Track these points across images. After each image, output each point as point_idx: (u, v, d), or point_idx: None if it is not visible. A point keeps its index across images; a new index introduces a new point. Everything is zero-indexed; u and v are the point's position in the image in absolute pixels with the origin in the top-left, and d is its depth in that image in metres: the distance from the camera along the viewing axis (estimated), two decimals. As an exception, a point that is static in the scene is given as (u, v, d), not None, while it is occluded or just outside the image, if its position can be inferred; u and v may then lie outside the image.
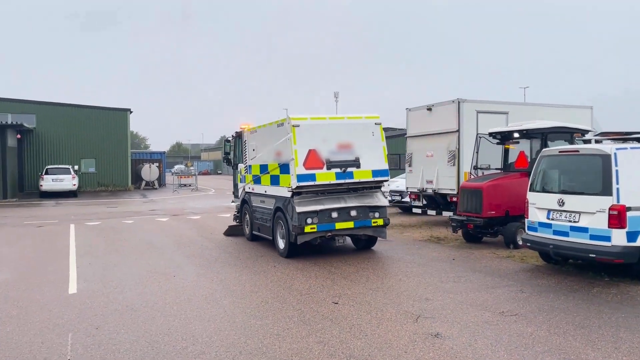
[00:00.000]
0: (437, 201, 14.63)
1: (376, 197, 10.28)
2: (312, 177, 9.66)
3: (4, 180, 27.40)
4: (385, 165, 10.32)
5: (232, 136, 13.80)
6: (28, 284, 8.37)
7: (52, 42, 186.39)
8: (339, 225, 9.81)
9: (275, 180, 10.50)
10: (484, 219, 10.63)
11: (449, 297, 7.07)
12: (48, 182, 29.14)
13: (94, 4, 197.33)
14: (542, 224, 8.20)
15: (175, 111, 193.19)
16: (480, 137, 12.21)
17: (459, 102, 13.81)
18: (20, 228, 15.81)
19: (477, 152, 12.21)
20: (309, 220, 9.60)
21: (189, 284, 8.15)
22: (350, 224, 9.90)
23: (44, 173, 29.57)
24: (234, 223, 13.49)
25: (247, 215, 12.39)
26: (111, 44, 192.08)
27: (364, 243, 10.95)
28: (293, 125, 9.64)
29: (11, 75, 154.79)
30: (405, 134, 16.32)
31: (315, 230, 9.64)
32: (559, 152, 8.35)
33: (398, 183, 19.30)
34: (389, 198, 19.43)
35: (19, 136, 29.47)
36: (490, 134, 11.80)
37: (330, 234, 9.89)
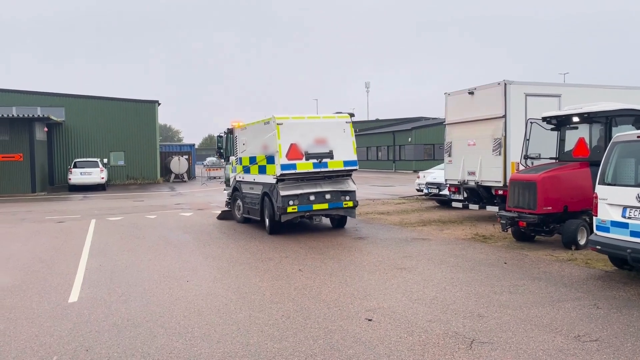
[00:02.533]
0: (480, 194, 13.31)
1: (347, 183, 12.16)
2: (294, 166, 11.50)
3: (33, 174, 27.24)
4: (354, 157, 12.20)
5: (225, 132, 15.60)
6: (28, 289, 7.56)
7: (80, 33, 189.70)
8: (315, 207, 11.70)
9: (262, 170, 12.32)
10: (538, 215, 9.31)
11: (506, 313, 5.87)
12: (77, 176, 28.92)
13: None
14: (616, 224, 6.88)
15: (208, 103, 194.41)
16: (531, 123, 10.83)
17: (505, 84, 12.42)
18: (40, 224, 15.24)
19: (528, 140, 10.85)
20: (291, 202, 11.46)
21: (202, 292, 7.18)
22: (325, 205, 11.78)
23: (72, 166, 29.37)
24: (226, 208, 15.33)
25: (239, 201, 14.20)
26: (145, 35, 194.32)
27: (337, 222, 12.96)
28: (277, 124, 11.42)
29: (40, 68, 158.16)
30: (444, 121, 14.98)
31: (296, 210, 11.53)
32: (638, 137, 6.97)
33: (435, 175, 17.99)
34: (425, 191, 18.17)
35: (45, 129, 29.29)
36: (544, 119, 10.42)
37: (308, 213, 11.78)
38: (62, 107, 33.55)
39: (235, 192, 14.36)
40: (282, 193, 11.39)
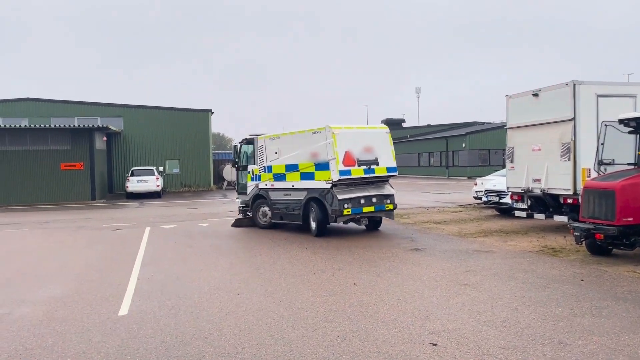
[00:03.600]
0: (546, 203, 12.41)
1: (387, 187, 13.31)
2: (349, 172, 12.41)
3: (93, 182, 28.13)
4: (394, 164, 13.26)
5: (240, 142, 15.89)
6: (80, 300, 7.48)
7: (136, 43, 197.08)
8: (365, 209, 12.69)
9: (308, 176, 12.98)
10: (617, 227, 8.44)
11: (592, 340, 5.19)
12: (133, 184, 29.65)
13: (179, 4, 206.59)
14: None
15: (261, 112, 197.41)
16: (606, 126, 9.94)
17: (574, 84, 11.53)
18: (97, 232, 15.51)
19: (602, 144, 9.95)
20: (346, 205, 12.32)
21: (253, 307, 6.84)
22: (372, 208, 12.82)
23: (129, 175, 30.16)
24: (240, 216, 15.78)
25: (264, 208, 14.63)
26: (202, 42, 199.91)
27: (373, 225, 13.68)
28: (334, 133, 12.26)
29: (100, 79, 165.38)
30: (505, 125, 14.14)
31: (349, 212, 12.40)
32: None
33: (495, 182, 17.09)
34: (484, 198, 17.30)
35: (104, 139, 30.22)
36: (621, 121, 9.52)
37: (359, 215, 12.70)
38: (120, 117, 34.63)
39: (260, 199, 14.75)
40: (340, 197, 12.29)
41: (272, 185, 14.26)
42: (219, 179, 37.98)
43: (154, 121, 35.09)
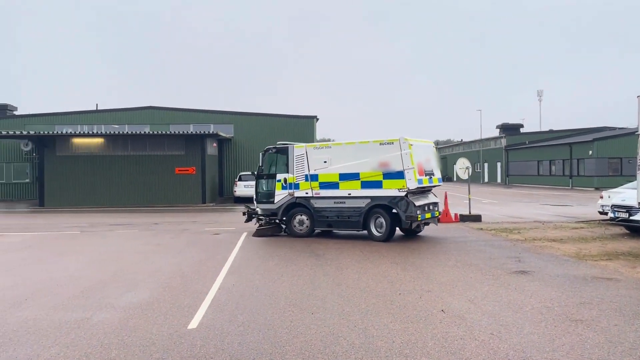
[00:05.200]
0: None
1: (433, 196, 14.75)
2: (421, 181, 13.61)
3: (203, 186, 29.48)
4: (440, 175, 15.18)
5: (267, 151, 15.71)
6: (157, 309, 7.42)
7: (244, 53, 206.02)
8: (427, 215, 13.91)
9: (373, 185, 13.69)
10: None
11: None
12: (241, 188, 30.58)
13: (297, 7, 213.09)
14: None
15: (367, 117, 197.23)
16: None
17: None
18: (197, 235, 15.94)
19: None
20: (418, 212, 13.32)
21: (324, 331, 6.25)
22: (429, 215, 14.07)
23: (237, 179, 31.18)
24: (263, 226, 15.44)
25: (301, 216, 14.80)
26: (308, 50, 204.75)
27: (411, 233, 14.63)
28: (410, 144, 13.35)
29: (213, 88, 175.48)
30: (637, 130, 12.17)
31: (420, 218, 13.43)
32: None
33: (624, 195, 14.92)
34: (611, 214, 15.19)
35: (214, 145, 31.57)
36: None
37: (423, 221, 13.85)
38: (231, 124, 36.08)
39: (296, 207, 14.87)
40: (417, 203, 13.42)
41: (317, 194, 14.51)
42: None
43: (262, 128, 36.08)
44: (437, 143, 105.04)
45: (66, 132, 29.90)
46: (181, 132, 29.50)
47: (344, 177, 14.11)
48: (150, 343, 5.93)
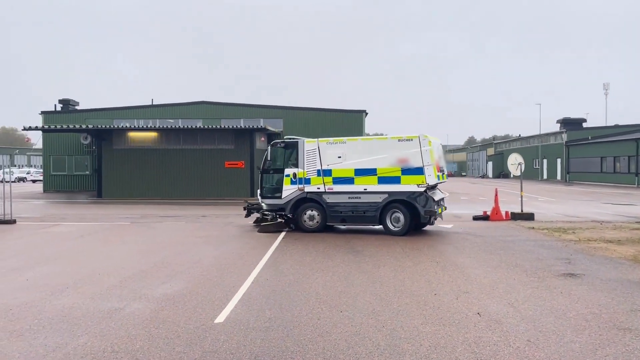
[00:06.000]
0: None
1: (440, 192, 15.28)
2: (438, 177, 14.20)
3: (252, 180, 29.79)
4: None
5: (273, 145, 15.54)
6: (188, 301, 7.46)
7: (296, 49, 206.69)
8: (439, 210, 14.44)
9: (390, 180, 14.01)
10: None
11: None
12: (288, 182, 30.73)
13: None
14: None
15: (421, 111, 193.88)
16: None
17: None
18: (240, 228, 16.09)
19: None
20: (435, 206, 13.89)
21: (350, 330, 6.06)
22: (440, 210, 14.63)
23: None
24: (267, 222, 15.38)
25: (311, 211, 14.77)
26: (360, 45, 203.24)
27: (422, 226, 15.01)
28: (430, 141, 13.86)
29: (263, 82, 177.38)
30: None
31: (436, 212, 14.03)
32: None
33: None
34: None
35: (262, 139, 31.83)
36: None
37: (436, 215, 14.23)
38: (280, 118, 36.32)
39: (307, 202, 14.82)
40: (436, 198, 14.11)
41: (330, 189, 14.57)
42: (373, 180, 37.72)
43: (311, 122, 36.11)
44: (493, 138, 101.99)
45: (122, 126, 30.98)
46: (231, 127, 29.94)
47: (360, 172, 14.27)
48: (176, 336, 5.94)
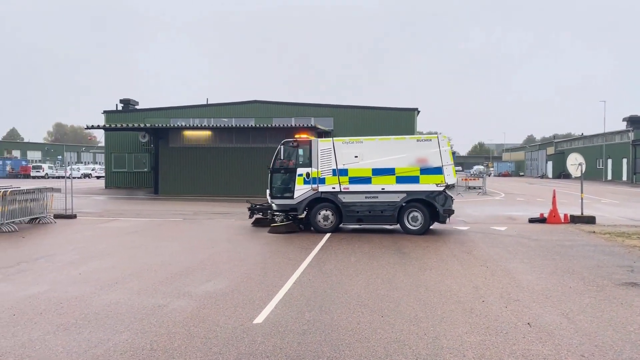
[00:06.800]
0: None
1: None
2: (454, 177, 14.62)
3: (302, 178, 29.90)
4: None
5: (285, 144, 15.09)
6: (230, 300, 7.48)
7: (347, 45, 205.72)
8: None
9: (408, 180, 14.17)
10: None
11: None
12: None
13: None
14: None
15: (479, 109, 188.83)
16: None
17: None
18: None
19: None
20: (452, 205, 14.34)
21: (390, 337, 5.86)
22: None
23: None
24: (278, 223, 14.81)
25: (325, 211, 14.62)
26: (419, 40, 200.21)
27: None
28: (449, 141, 14.28)
29: (311, 81, 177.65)
30: None
31: (453, 211, 14.61)
32: None
33: None
34: None
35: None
36: None
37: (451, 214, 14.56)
38: (331, 117, 36.26)
39: (321, 202, 14.66)
40: (454, 197, 14.48)
41: (346, 188, 14.50)
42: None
43: (361, 120, 35.84)
44: (554, 137, 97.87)
45: (177, 125, 31.85)
46: (282, 125, 30.15)
47: (378, 172, 14.33)
48: (214, 335, 5.95)
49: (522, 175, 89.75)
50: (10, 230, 14.76)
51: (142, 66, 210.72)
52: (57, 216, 17.99)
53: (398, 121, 35.54)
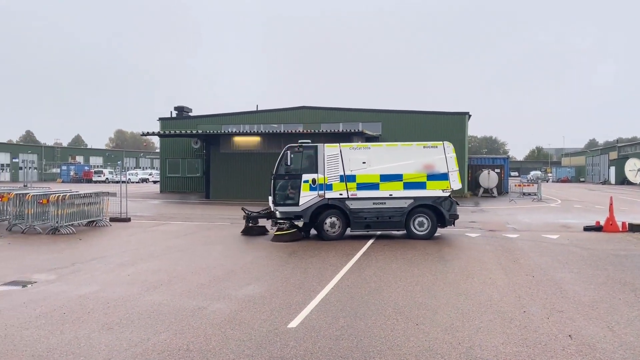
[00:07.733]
0: None
1: None
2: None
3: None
4: None
5: (291, 149, 14.57)
6: (268, 303, 7.61)
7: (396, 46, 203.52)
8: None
9: (415, 186, 14.28)
10: None
11: None
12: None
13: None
14: None
15: (539, 113, 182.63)
16: None
17: None
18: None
19: None
20: (457, 211, 14.64)
21: (423, 345, 5.79)
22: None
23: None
24: (281, 232, 14.24)
25: (331, 218, 14.36)
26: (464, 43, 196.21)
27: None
28: (454, 148, 14.56)
29: (361, 87, 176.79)
30: None
31: (458, 216, 14.82)
32: None
33: None
34: None
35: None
36: None
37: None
38: (379, 122, 36.10)
39: (329, 209, 14.41)
40: (459, 203, 14.87)
41: (354, 195, 14.32)
42: (475, 185, 36.12)
43: (410, 125, 35.49)
44: (617, 141, 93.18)
45: (228, 131, 32.64)
46: (329, 131, 30.30)
47: (386, 178, 14.32)
48: (248, 338, 6.08)
49: (583, 181, 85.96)
50: (68, 232, 15.59)
51: (198, 73, 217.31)
52: (112, 219, 18.83)
53: (448, 126, 34.96)
